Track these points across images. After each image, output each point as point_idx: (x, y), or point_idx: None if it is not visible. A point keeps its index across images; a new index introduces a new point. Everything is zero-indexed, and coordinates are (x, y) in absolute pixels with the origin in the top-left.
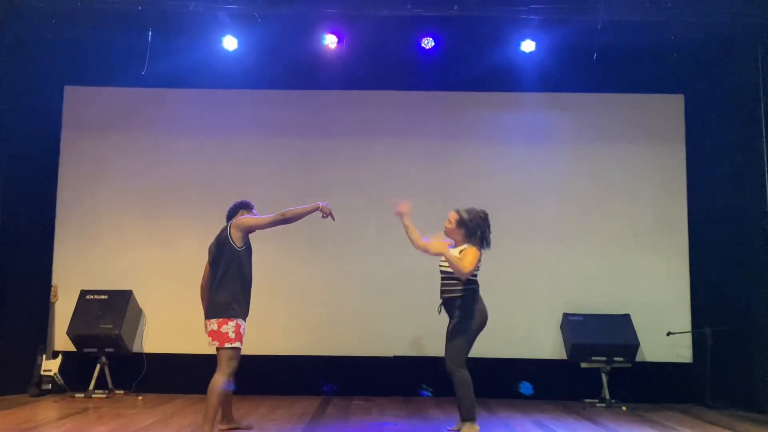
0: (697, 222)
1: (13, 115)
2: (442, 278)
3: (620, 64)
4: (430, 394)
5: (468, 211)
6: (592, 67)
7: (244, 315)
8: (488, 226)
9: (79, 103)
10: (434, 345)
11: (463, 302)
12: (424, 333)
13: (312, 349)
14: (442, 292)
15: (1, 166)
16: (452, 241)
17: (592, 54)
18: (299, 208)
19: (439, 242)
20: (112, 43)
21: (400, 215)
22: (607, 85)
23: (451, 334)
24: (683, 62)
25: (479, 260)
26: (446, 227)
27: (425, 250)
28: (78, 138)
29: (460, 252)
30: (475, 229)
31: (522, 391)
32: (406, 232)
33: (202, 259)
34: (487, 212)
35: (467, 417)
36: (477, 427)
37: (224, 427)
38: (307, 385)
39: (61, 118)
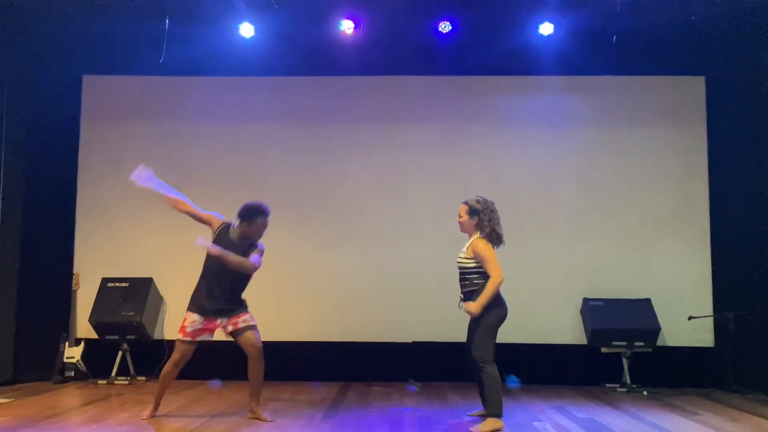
0: (718, 205)
1: (33, 106)
2: (460, 273)
3: (640, 46)
4: (417, 388)
5: (477, 200)
6: (612, 50)
7: (195, 310)
8: (497, 216)
9: (98, 92)
10: (452, 330)
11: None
12: (443, 318)
13: (331, 335)
14: (462, 285)
15: (21, 156)
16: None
17: (612, 36)
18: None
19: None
20: (130, 32)
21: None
22: (627, 67)
23: (474, 328)
24: (704, 43)
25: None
26: (459, 222)
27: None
28: (97, 127)
29: (467, 249)
30: (483, 214)
31: (509, 384)
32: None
33: None
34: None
35: (493, 413)
36: (502, 423)
37: (250, 415)
38: (328, 372)
39: (80, 107)
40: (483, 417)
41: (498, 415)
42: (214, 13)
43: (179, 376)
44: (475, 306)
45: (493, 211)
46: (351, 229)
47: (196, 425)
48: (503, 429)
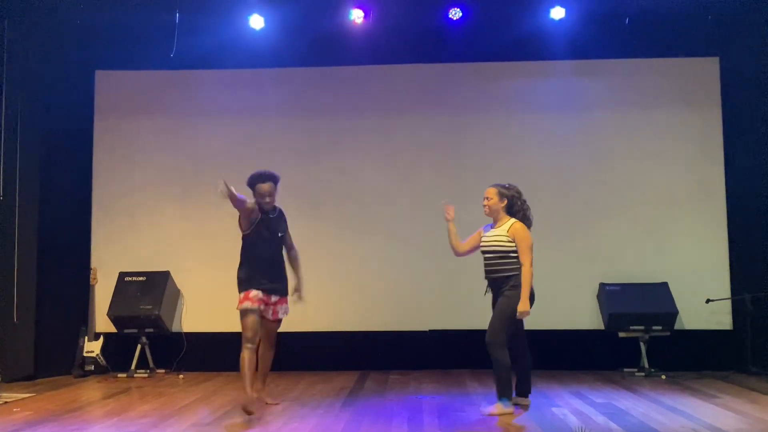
0: (734, 186)
1: (47, 102)
2: (490, 257)
3: (653, 28)
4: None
5: (506, 185)
6: (624, 32)
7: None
8: (525, 200)
9: (110, 87)
10: (469, 318)
11: (519, 281)
12: (459, 306)
13: (348, 324)
14: (492, 271)
15: (36, 153)
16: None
17: (624, 18)
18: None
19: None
20: (141, 27)
21: (447, 220)
22: (640, 50)
23: (501, 311)
24: (718, 24)
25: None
26: (486, 205)
27: (465, 254)
28: (110, 122)
29: (508, 231)
30: (515, 199)
31: None
32: (449, 237)
33: (236, 239)
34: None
35: (501, 396)
36: (511, 408)
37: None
38: (345, 361)
39: (94, 102)
40: (520, 406)
41: (506, 398)
42: (224, 6)
43: (191, 368)
44: (523, 304)
45: (521, 194)
46: (365, 219)
47: (217, 416)
48: (513, 414)
